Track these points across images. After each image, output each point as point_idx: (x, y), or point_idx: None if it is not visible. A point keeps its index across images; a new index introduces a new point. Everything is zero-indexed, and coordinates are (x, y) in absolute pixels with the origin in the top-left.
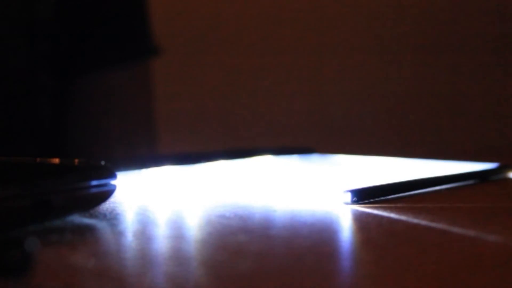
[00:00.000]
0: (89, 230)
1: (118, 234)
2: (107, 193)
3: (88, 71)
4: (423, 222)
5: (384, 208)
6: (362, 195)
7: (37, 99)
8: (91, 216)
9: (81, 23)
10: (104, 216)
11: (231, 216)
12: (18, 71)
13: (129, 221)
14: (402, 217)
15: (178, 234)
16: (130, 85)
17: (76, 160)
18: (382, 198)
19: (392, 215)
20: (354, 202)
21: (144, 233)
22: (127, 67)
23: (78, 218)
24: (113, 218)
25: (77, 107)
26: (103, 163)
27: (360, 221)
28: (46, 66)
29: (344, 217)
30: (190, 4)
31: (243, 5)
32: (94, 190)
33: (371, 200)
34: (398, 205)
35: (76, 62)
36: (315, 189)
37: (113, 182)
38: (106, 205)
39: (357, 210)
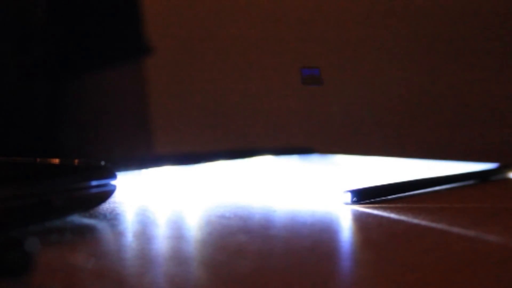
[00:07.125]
0: (89, 230)
1: (118, 234)
2: (107, 193)
3: (87, 71)
4: (423, 222)
5: (384, 208)
6: (362, 195)
7: (37, 99)
8: (91, 216)
9: (77, 23)
10: (104, 216)
11: (231, 216)
12: (16, 72)
13: (129, 221)
14: (402, 218)
15: (178, 234)
16: (131, 85)
17: (76, 160)
18: (382, 198)
19: (392, 215)
20: (354, 202)
21: (144, 233)
22: (126, 67)
23: (78, 218)
24: (113, 218)
25: (77, 107)
26: (103, 163)
27: (360, 221)
28: (44, 66)
29: (344, 217)
30: (190, 2)
31: (243, 4)
32: (94, 190)
33: (371, 200)
34: (398, 205)
35: (74, 63)
36: (315, 189)
37: (113, 182)
38: (106, 205)
39: (357, 210)
